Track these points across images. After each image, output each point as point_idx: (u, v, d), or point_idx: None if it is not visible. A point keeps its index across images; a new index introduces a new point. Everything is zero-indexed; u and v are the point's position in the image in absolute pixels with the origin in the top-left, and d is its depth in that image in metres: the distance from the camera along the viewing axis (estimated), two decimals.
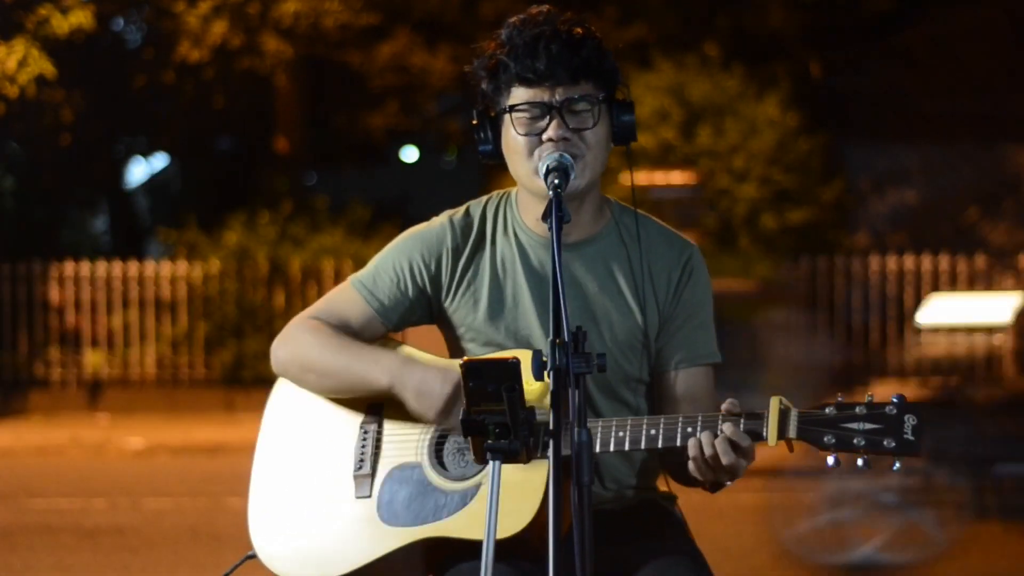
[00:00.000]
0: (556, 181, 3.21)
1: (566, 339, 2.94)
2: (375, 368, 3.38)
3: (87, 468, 12.40)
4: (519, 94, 3.33)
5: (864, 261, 17.34)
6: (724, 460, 3.14)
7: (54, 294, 17.37)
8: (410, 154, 27.64)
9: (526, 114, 3.33)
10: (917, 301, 17.13)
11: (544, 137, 3.31)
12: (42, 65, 15.35)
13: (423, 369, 3.35)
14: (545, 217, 3.13)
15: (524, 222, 3.47)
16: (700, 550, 3.44)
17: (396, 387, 3.36)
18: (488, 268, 3.47)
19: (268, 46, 17.51)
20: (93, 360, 17.14)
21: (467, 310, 3.46)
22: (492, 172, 19.85)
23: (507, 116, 3.35)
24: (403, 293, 3.47)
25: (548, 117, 3.31)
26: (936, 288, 17.10)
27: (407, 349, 3.49)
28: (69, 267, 17.29)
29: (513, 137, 3.35)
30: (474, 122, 3.40)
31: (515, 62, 3.32)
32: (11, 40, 15.44)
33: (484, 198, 3.55)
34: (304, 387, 3.49)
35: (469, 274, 3.47)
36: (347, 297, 3.51)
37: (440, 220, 3.51)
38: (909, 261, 17.17)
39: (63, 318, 17.38)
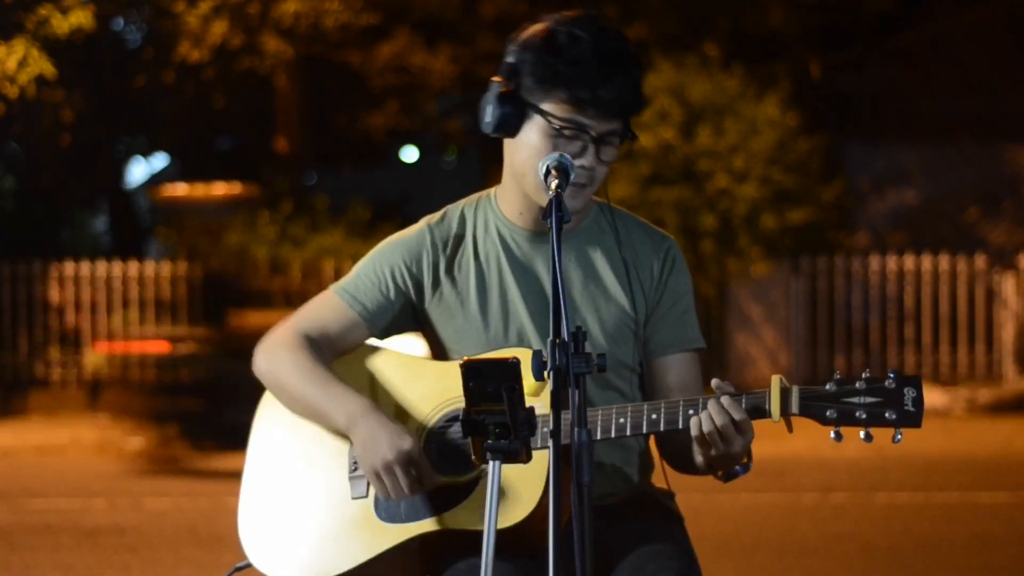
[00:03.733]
0: (556, 181, 3.21)
1: (566, 339, 2.94)
2: (337, 408, 3.38)
3: (87, 468, 12.40)
4: (563, 107, 3.29)
5: (864, 261, 17.34)
6: (720, 424, 3.15)
7: (54, 294, 17.37)
8: (410, 154, 27.65)
9: (566, 132, 3.31)
10: (917, 301, 17.14)
11: (577, 163, 3.29)
12: (42, 65, 15.35)
13: (378, 426, 3.33)
14: (545, 217, 3.13)
15: (505, 215, 3.47)
16: (691, 543, 3.46)
17: (350, 432, 3.37)
18: (472, 266, 3.47)
19: (268, 46, 17.52)
20: (93, 360, 17.14)
21: (453, 311, 3.46)
22: (492, 172, 19.84)
23: (539, 119, 3.32)
24: (386, 297, 3.47)
25: (581, 143, 3.30)
26: (936, 288, 17.10)
27: (386, 358, 3.48)
28: (69, 267, 17.30)
29: (535, 143, 3.32)
30: (495, 93, 3.32)
31: (575, 80, 3.27)
32: (11, 40, 15.44)
33: (461, 201, 3.55)
34: (279, 401, 3.51)
35: (452, 275, 3.47)
36: (330, 305, 3.50)
37: (418, 225, 3.52)
38: (909, 261, 17.17)
39: (63, 318, 17.39)
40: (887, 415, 3.13)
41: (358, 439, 3.34)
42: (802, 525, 9.06)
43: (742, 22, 18.92)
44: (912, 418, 3.13)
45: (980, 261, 17.18)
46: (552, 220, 3.09)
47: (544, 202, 3.27)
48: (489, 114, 3.34)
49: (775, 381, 3.19)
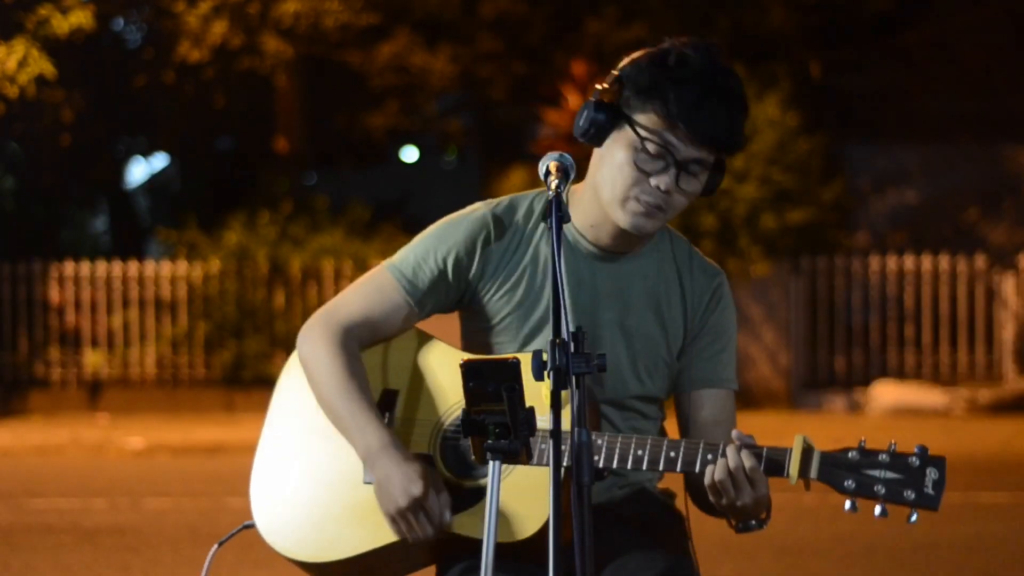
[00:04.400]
0: (556, 182, 3.19)
1: (566, 339, 2.93)
2: (359, 435, 3.34)
3: (87, 468, 12.40)
4: (657, 124, 3.26)
5: (864, 261, 17.34)
6: (733, 468, 3.13)
7: (54, 294, 17.38)
8: (410, 154, 27.66)
9: (650, 147, 3.28)
10: (917, 301, 17.14)
11: (654, 182, 3.27)
12: (42, 65, 15.36)
13: (395, 466, 3.29)
14: (545, 217, 3.11)
15: (575, 224, 3.41)
16: (689, 542, 3.44)
17: (366, 465, 3.34)
18: (528, 265, 3.42)
19: (268, 46, 17.52)
20: (93, 360, 17.15)
21: (501, 304, 3.43)
22: (492, 173, 19.84)
23: (629, 132, 3.29)
24: (441, 282, 3.42)
25: (665, 164, 3.28)
26: (936, 288, 17.10)
27: (432, 351, 3.45)
28: (69, 267, 17.30)
29: (622, 157, 3.30)
30: (593, 99, 3.30)
31: (672, 96, 3.25)
32: (11, 40, 15.44)
33: (531, 192, 3.50)
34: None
35: (507, 269, 3.43)
36: (384, 285, 3.43)
37: (481, 211, 3.45)
38: (909, 261, 17.18)
39: (63, 318, 17.39)
40: (905, 494, 3.08)
41: (374, 477, 3.31)
42: (802, 525, 9.06)
43: (742, 22, 18.92)
44: (930, 501, 3.09)
45: (980, 261, 17.18)
46: (552, 220, 3.07)
47: (619, 219, 3.28)
48: (583, 119, 3.31)
49: (797, 441, 3.14)
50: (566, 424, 3.00)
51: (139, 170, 27.23)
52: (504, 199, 3.49)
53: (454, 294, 3.45)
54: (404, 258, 3.45)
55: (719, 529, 3.50)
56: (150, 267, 17.41)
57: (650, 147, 3.27)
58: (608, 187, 3.32)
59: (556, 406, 2.92)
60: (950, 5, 19.93)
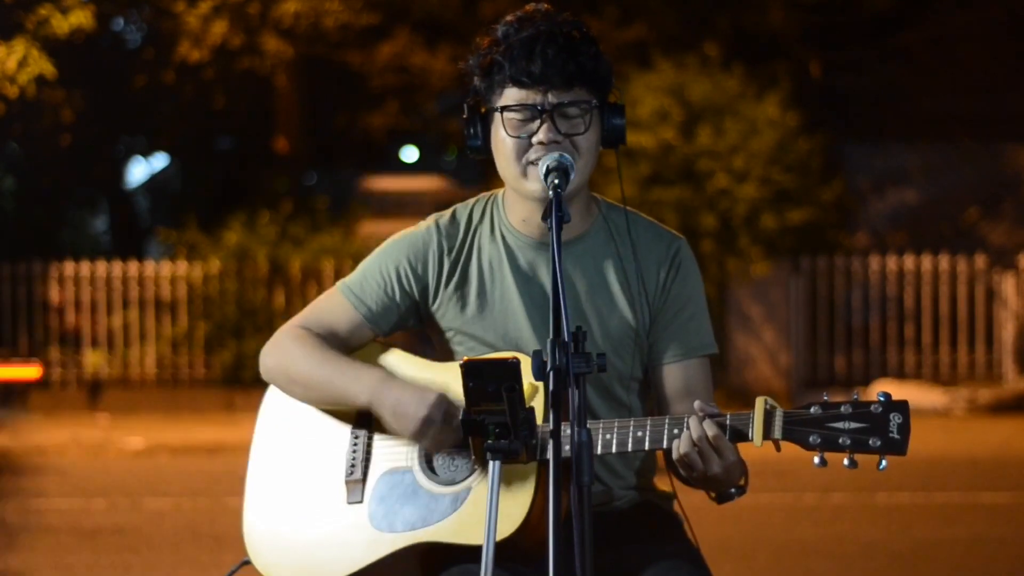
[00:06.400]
0: (556, 181, 3.20)
1: (566, 339, 2.93)
2: (355, 384, 3.36)
3: (87, 468, 12.40)
4: (511, 95, 3.31)
5: (864, 261, 17.34)
6: (696, 439, 3.13)
7: (54, 294, 17.38)
8: (410, 154, 27.65)
9: (517, 116, 3.31)
10: (917, 301, 17.14)
11: (535, 140, 3.29)
12: (42, 65, 15.34)
13: (400, 389, 3.32)
14: (545, 217, 3.12)
15: (511, 223, 3.45)
16: (699, 549, 3.43)
17: (374, 404, 3.35)
18: (475, 270, 3.45)
19: (268, 46, 17.53)
20: (93, 360, 17.15)
21: (455, 313, 3.45)
22: (492, 172, 19.88)
23: (498, 115, 3.33)
24: (391, 298, 3.46)
25: (539, 120, 3.30)
26: (936, 288, 17.10)
27: (393, 358, 3.48)
28: (69, 267, 17.30)
29: (502, 138, 3.33)
30: (464, 116, 3.38)
31: (510, 63, 3.30)
32: (11, 40, 15.44)
33: (471, 200, 3.53)
34: (291, 396, 3.49)
35: (456, 277, 3.46)
36: (335, 303, 3.49)
37: (426, 223, 3.50)
38: (909, 261, 17.18)
39: (63, 318, 17.39)
40: (871, 442, 3.07)
41: (386, 410, 3.31)
42: (802, 525, 9.06)
43: (742, 22, 18.93)
44: (896, 445, 3.06)
45: (980, 261, 17.18)
46: (552, 220, 3.08)
47: (531, 191, 3.31)
48: (468, 140, 3.39)
49: (759, 404, 3.14)
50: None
51: (139, 170, 27.30)
52: (448, 210, 3.53)
53: (409, 309, 3.48)
54: (353, 276, 3.50)
55: (719, 529, 3.50)
56: (150, 267, 17.41)
57: (516, 114, 3.30)
58: (507, 170, 3.35)
59: (556, 406, 2.92)
60: (950, 5, 19.94)
